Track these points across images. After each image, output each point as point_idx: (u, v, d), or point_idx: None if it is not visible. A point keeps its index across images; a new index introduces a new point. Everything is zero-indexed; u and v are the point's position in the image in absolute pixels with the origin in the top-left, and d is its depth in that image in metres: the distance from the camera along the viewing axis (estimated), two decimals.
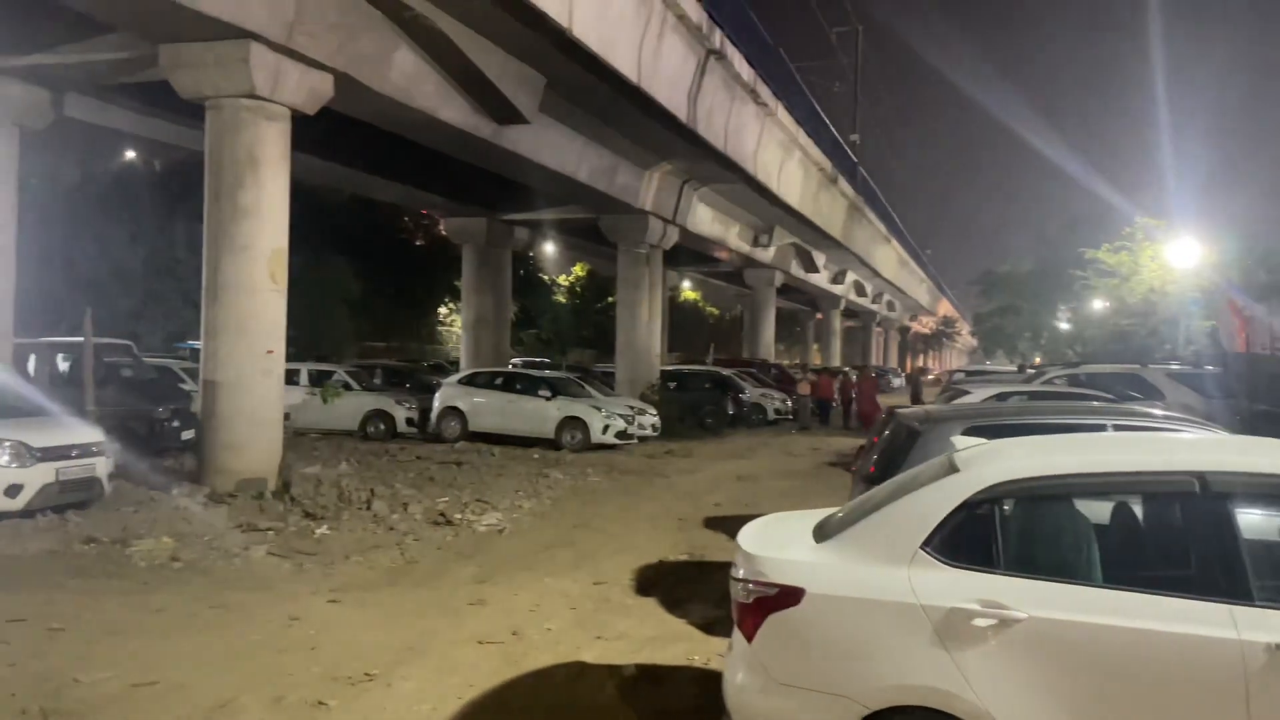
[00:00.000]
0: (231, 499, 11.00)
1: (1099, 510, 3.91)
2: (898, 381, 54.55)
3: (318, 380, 19.48)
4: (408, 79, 14.00)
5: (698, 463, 17.10)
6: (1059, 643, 3.35)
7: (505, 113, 16.11)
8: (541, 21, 13.40)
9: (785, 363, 45.55)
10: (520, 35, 14.26)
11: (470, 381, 20.07)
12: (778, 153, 26.04)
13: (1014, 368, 33.92)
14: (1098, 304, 30.43)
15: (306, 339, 24.24)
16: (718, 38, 19.34)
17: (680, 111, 18.66)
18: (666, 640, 6.42)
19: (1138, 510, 3.89)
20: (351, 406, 19.08)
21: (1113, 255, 26.44)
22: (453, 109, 15.38)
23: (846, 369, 34.64)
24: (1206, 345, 22.56)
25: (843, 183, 34.56)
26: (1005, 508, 3.69)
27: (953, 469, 3.92)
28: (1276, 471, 3.65)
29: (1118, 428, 6.22)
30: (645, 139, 20.67)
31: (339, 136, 17.20)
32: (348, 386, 19.40)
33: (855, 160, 39.30)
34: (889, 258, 53.27)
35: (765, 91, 23.10)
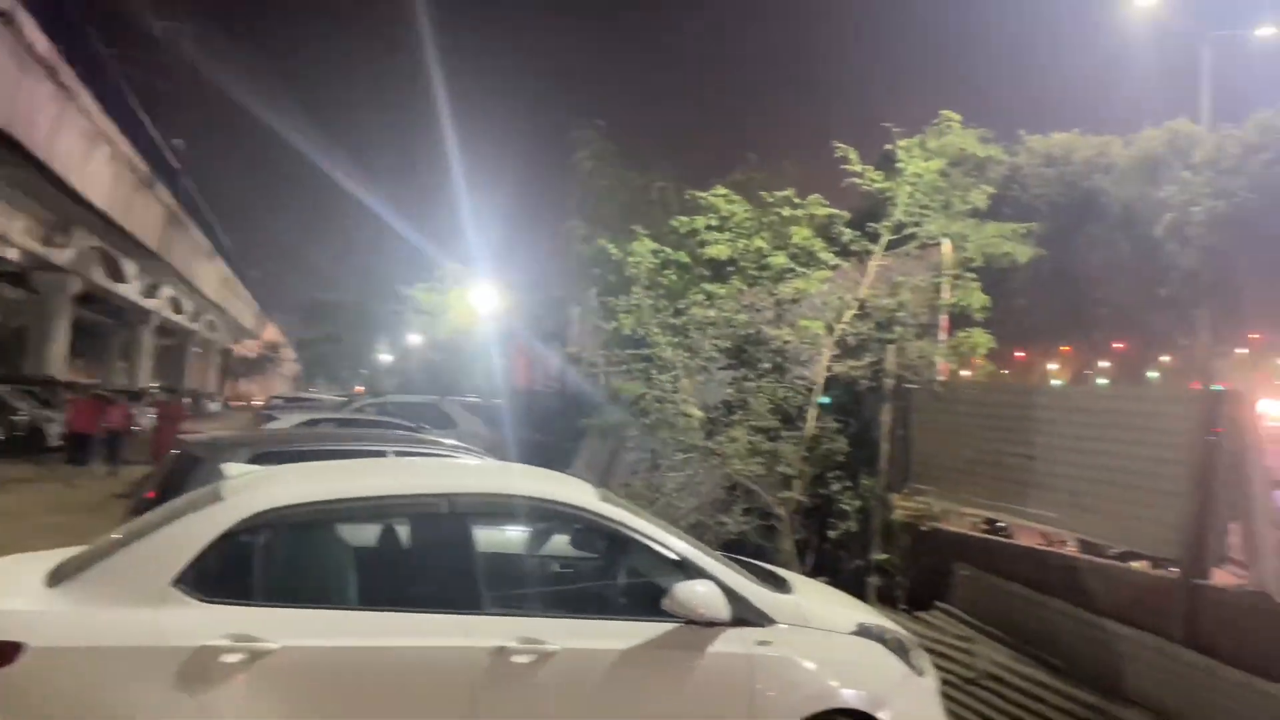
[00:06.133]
0: None
1: (363, 533, 4.05)
2: (215, 406, 51.75)
3: None
4: None
5: None
6: (310, 669, 3.36)
7: None
8: None
9: (86, 381, 40.04)
10: None
11: None
12: (81, 143, 23.02)
13: (338, 396, 34.39)
14: (413, 338, 32.57)
15: None
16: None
17: None
18: None
19: (396, 532, 4.10)
20: None
21: (426, 294, 28.58)
22: None
23: (106, 393, 26.04)
24: (500, 380, 25.53)
25: (161, 189, 31.91)
26: (268, 536, 3.60)
27: (217, 498, 3.72)
28: (512, 492, 4.16)
29: (399, 454, 6.61)
30: None
31: None
32: None
33: (179, 167, 36.62)
34: (211, 275, 50.57)
35: (69, 73, 20.29)
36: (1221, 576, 5.45)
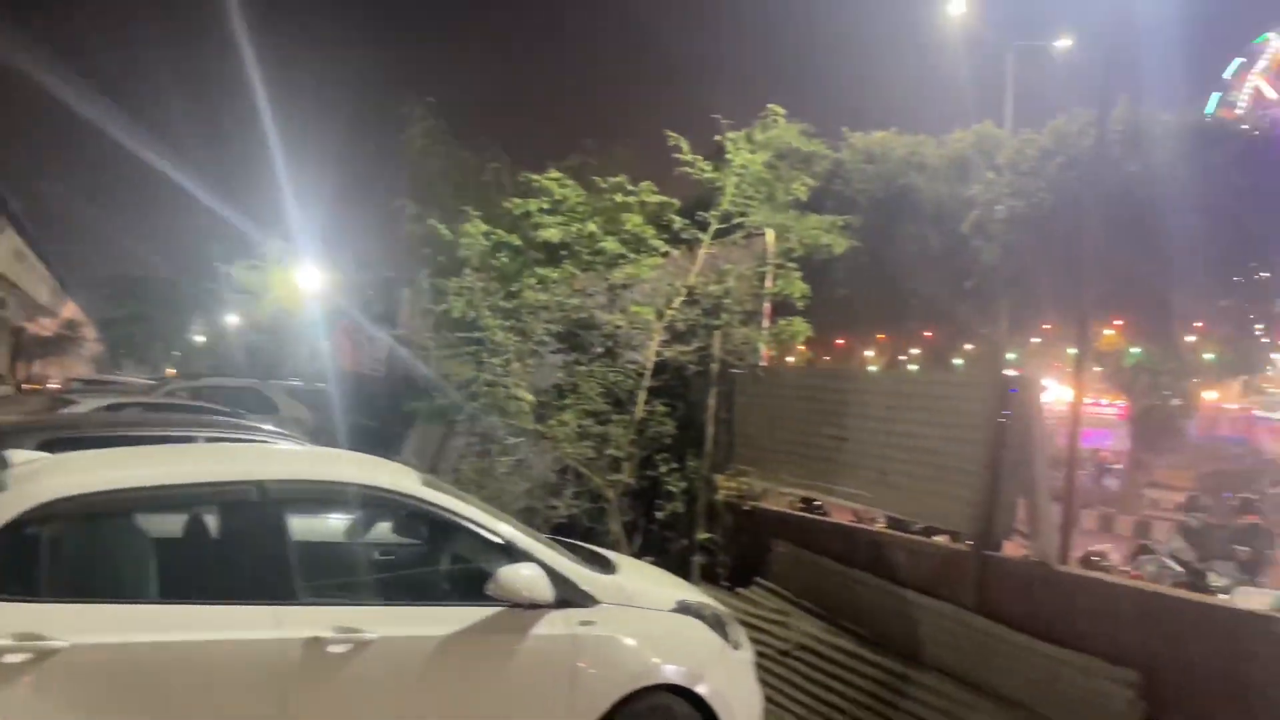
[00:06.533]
0: None
1: (165, 523, 3.84)
2: (4, 390, 47.46)
3: None
4: None
5: None
6: (104, 667, 3.17)
7: None
8: None
9: None
10: None
11: None
12: None
13: (145, 379, 32.22)
14: (232, 319, 30.93)
15: None
16: None
17: None
18: None
19: (203, 521, 3.91)
20: None
21: (245, 273, 27.17)
22: None
23: None
24: (325, 363, 24.58)
25: None
26: (56, 528, 3.36)
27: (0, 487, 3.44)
28: (329, 478, 4.04)
29: (211, 440, 6.29)
30: None
31: None
32: None
33: None
34: (3, 248, 46.35)
35: None
36: (1010, 548, 5.92)
